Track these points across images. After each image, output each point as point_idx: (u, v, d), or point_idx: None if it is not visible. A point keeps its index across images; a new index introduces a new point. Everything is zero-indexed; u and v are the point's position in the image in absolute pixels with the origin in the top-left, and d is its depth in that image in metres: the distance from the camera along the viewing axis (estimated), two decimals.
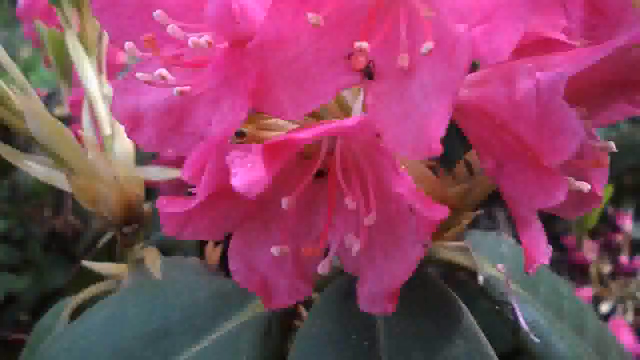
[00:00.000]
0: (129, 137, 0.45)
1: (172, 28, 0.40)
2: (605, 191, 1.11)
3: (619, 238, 1.33)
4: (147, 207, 0.67)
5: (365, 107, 0.38)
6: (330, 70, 0.37)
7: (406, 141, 0.35)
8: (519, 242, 0.46)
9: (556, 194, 0.35)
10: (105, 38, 0.72)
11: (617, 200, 1.48)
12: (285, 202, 0.40)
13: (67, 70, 1.17)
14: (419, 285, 0.49)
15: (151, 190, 0.85)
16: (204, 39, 0.38)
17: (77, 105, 1.08)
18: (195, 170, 0.38)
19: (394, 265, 0.40)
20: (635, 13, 0.41)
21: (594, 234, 1.31)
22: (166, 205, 0.38)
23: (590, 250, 1.26)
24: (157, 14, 0.41)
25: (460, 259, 0.58)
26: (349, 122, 0.33)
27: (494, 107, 0.39)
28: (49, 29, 1.10)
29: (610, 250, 1.31)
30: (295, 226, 0.42)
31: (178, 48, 0.43)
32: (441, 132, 0.34)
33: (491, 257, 0.60)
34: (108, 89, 0.69)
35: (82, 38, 0.71)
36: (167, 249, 0.68)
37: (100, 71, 0.70)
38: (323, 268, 0.41)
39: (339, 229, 0.41)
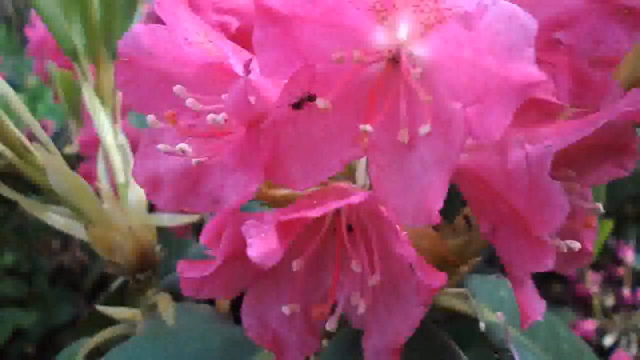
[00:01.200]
0: (148, 198, 0.48)
1: (191, 101, 0.44)
2: (605, 225, 1.14)
3: (621, 271, 1.35)
4: (158, 250, 0.70)
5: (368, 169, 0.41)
6: (337, 144, 0.40)
7: (407, 211, 0.38)
8: None
9: (545, 261, 0.38)
10: None
11: (618, 230, 1.49)
12: (294, 265, 0.43)
13: (75, 109, 1.22)
14: (420, 335, 0.51)
15: (162, 232, 0.88)
16: (221, 116, 0.41)
17: (86, 145, 1.13)
18: (212, 236, 0.41)
19: (396, 322, 0.42)
20: (616, 86, 0.45)
21: (595, 266, 1.33)
22: (186, 270, 0.41)
23: (592, 283, 1.28)
24: (177, 89, 0.44)
25: (460, 305, 0.60)
26: (356, 198, 0.36)
27: (489, 175, 0.43)
28: (59, 71, 1.15)
29: (612, 283, 1.33)
30: (304, 284, 0.45)
31: (194, 117, 0.46)
32: (439, 203, 0.37)
33: (491, 303, 0.63)
34: (122, 138, 0.73)
35: (97, 89, 0.74)
36: (178, 292, 0.70)
37: (115, 121, 0.73)
38: (330, 324, 0.43)
39: (345, 288, 0.44)
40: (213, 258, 0.42)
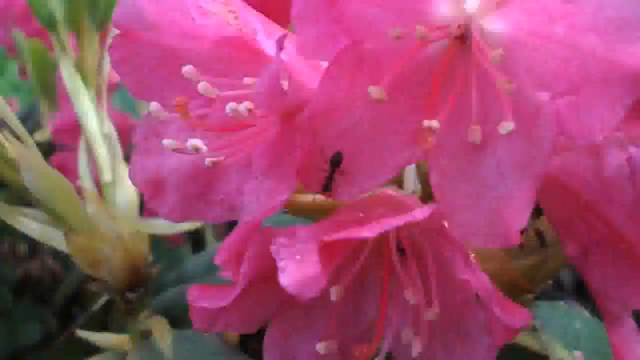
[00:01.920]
0: (148, 205, 0.47)
1: (204, 86, 0.42)
2: None
3: None
4: (151, 264, 0.69)
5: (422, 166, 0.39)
6: (392, 144, 0.39)
7: (478, 229, 0.37)
8: (593, 313, 0.46)
9: None
10: (107, 66, 0.74)
11: None
12: (333, 293, 0.41)
13: (48, 88, 1.21)
14: None
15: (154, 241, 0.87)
16: (244, 106, 0.39)
17: (62, 132, 1.12)
18: (231, 255, 0.40)
19: None
20: None
21: None
22: (198, 298, 0.40)
23: None
24: (187, 70, 0.42)
25: (527, 340, 0.59)
26: (419, 214, 0.34)
27: (578, 183, 0.41)
28: (28, 40, 1.14)
29: None
30: (342, 317, 0.44)
31: (207, 106, 0.45)
32: (522, 220, 0.35)
33: (563, 337, 0.61)
34: (109, 126, 0.71)
35: (79, 66, 0.73)
36: (176, 317, 0.69)
37: (100, 104, 0.72)
38: None
39: (394, 322, 0.43)
40: (229, 283, 0.40)
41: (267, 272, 0.37)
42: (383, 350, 0.42)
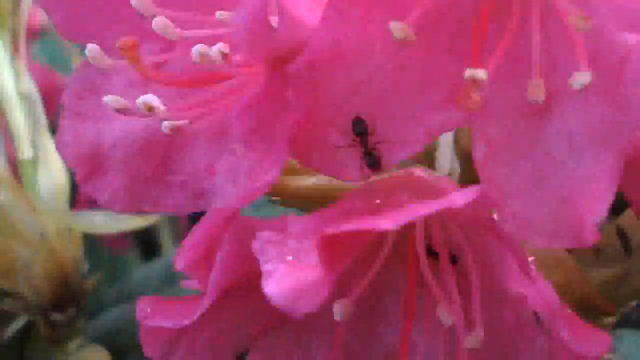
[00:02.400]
0: (83, 188, 0.47)
1: (161, 22, 0.42)
2: None
3: None
4: (86, 273, 0.69)
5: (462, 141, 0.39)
6: (421, 103, 0.39)
7: (538, 222, 0.37)
8: None
9: None
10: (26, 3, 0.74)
11: None
12: (337, 310, 0.41)
13: None
14: None
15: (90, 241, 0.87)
16: (217, 49, 0.39)
17: None
18: (197, 255, 0.40)
19: None
20: None
21: None
22: (151, 314, 0.39)
23: None
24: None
25: None
26: (459, 198, 0.34)
27: None
28: None
29: None
30: (350, 342, 0.44)
31: (167, 50, 0.45)
32: (601, 211, 0.35)
33: None
34: (29, 84, 0.71)
35: None
36: (120, 346, 0.69)
37: (17, 54, 0.72)
38: None
39: (421, 350, 0.43)
40: (197, 294, 0.40)
41: (248, 279, 0.37)
42: None
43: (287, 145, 0.38)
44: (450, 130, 0.45)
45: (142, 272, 0.92)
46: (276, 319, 0.43)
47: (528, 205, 0.37)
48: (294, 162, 0.49)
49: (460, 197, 0.34)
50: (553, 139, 0.37)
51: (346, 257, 0.37)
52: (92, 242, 0.95)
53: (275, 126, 0.38)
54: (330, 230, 0.34)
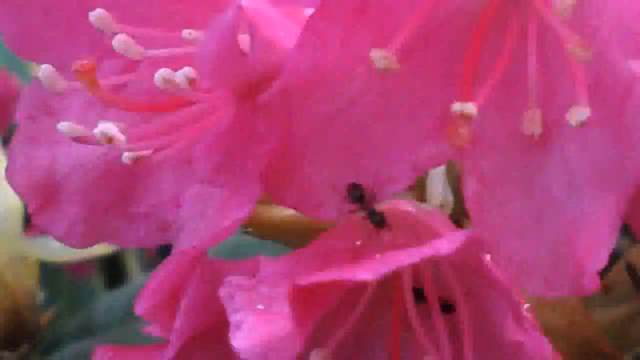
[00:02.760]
0: (35, 219, 0.47)
1: (122, 40, 0.43)
2: None
3: None
4: (40, 304, 0.69)
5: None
6: (405, 136, 0.39)
7: (536, 268, 0.37)
8: None
9: None
10: None
11: None
12: (316, 358, 0.41)
13: None
14: None
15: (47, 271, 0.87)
16: (183, 74, 0.40)
17: None
18: (160, 300, 0.40)
19: None
20: None
21: None
22: None
23: None
24: (97, 15, 0.43)
25: None
26: (446, 245, 0.34)
27: None
28: None
29: None
30: None
31: (128, 71, 0.45)
32: (602, 254, 0.36)
33: None
34: None
35: None
36: None
37: None
38: None
39: None
40: (160, 342, 0.40)
41: (216, 325, 0.37)
42: None
43: (259, 180, 0.38)
44: (440, 165, 0.45)
45: (105, 302, 0.92)
46: None
47: (523, 248, 0.38)
48: None
49: (446, 245, 0.34)
50: (551, 176, 0.38)
51: (322, 307, 0.37)
52: (51, 268, 0.95)
53: (245, 159, 0.38)
54: (304, 281, 0.35)
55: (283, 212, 0.50)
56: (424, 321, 0.42)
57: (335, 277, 0.34)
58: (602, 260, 0.36)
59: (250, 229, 0.51)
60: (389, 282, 0.43)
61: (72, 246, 0.47)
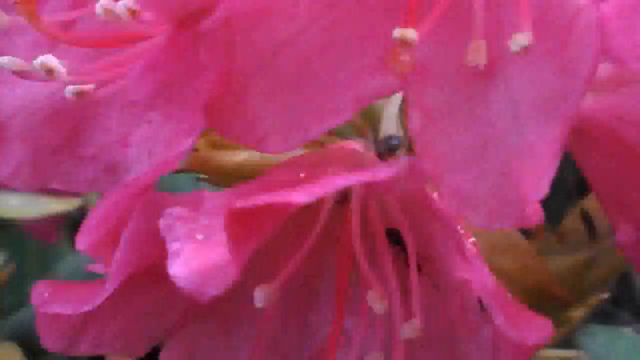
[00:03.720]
0: None
1: None
2: None
3: None
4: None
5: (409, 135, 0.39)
6: (349, 66, 0.39)
7: (479, 198, 0.37)
8: None
9: None
10: None
11: None
12: (260, 296, 0.41)
13: None
14: None
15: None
16: (123, 4, 0.39)
17: None
18: (101, 234, 0.39)
19: None
20: None
21: None
22: (49, 299, 0.39)
23: None
24: None
25: None
26: (381, 172, 0.34)
27: (638, 133, 0.42)
28: None
29: None
30: (275, 332, 0.44)
31: (70, 7, 0.44)
32: (544, 184, 0.36)
33: None
34: None
35: None
36: (33, 344, 0.69)
37: None
38: None
39: (354, 342, 0.43)
40: (102, 278, 0.40)
41: (160, 261, 0.37)
42: None
43: (201, 112, 0.38)
44: (384, 97, 0.45)
45: (70, 263, 0.91)
46: (196, 308, 0.43)
47: (467, 181, 0.37)
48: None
49: (384, 170, 0.34)
50: (496, 107, 0.38)
51: (260, 234, 0.37)
52: (11, 231, 0.94)
53: (185, 89, 0.38)
54: (239, 205, 0.34)
55: (236, 157, 0.50)
56: (370, 259, 0.42)
57: (270, 200, 0.34)
58: (544, 189, 0.35)
59: (203, 175, 0.51)
60: (339, 220, 0.43)
61: (19, 189, 0.47)
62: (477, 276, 0.38)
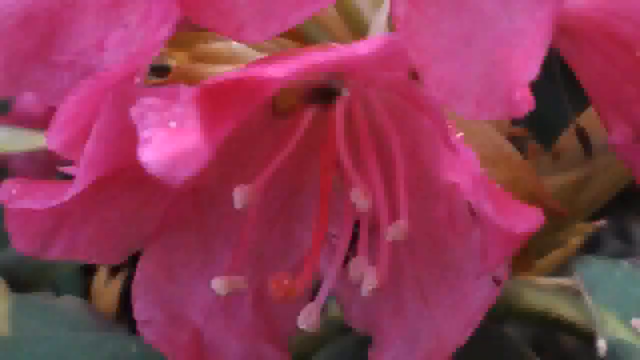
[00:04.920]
0: None
1: None
2: None
3: None
4: None
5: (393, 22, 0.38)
6: None
7: (466, 85, 0.36)
8: None
9: None
10: None
11: None
12: (240, 197, 0.40)
13: None
14: (488, 354, 0.50)
15: None
16: None
17: None
18: (74, 131, 0.38)
19: (438, 317, 0.41)
20: None
21: None
22: (17, 195, 0.38)
23: None
24: None
25: (563, 308, 0.59)
26: (361, 48, 0.33)
27: (632, 26, 0.40)
28: None
29: None
30: (257, 241, 0.44)
31: None
32: (532, 70, 0.35)
33: (621, 306, 0.61)
34: None
35: None
36: (20, 279, 0.69)
37: None
38: (308, 319, 0.41)
39: (337, 247, 0.42)
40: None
41: (134, 162, 0.36)
42: (323, 287, 0.42)
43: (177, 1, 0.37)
44: None
45: None
46: (174, 214, 0.43)
47: (453, 70, 0.36)
48: (206, 47, 0.49)
49: (361, 46, 0.33)
50: None
51: (233, 116, 0.36)
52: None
53: None
54: (211, 82, 0.33)
55: (219, 69, 0.49)
56: (354, 162, 0.42)
57: (243, 76, 0.33)
58: (533, 73, 0.35)
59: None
60: (320, 122, 0.42)
61: None
62: (466, 170, 0.37)
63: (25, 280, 0.68)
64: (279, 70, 0.32)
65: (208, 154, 0.32)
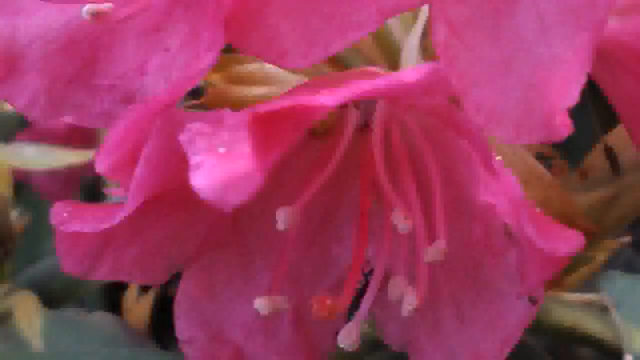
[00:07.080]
0: None
1: None
2: None
3: None
4: (15, 216, 0.69)
5: (431, 47, 0.39)
6: None
7: (505, 110, 0.36)
8: None
9: None
10: None
11: None
12: (282, 218, 0.41)
13: None
14: None
15: (22, 186, 0.87)
16: None
17: None
18: (121, 155, 0.39)
19: (476, 335, 0.41)
20: None
21: None
22: (67, 219, 0.39)
23: None
24: None
25: (589, 323, 0.59)
26: (408, 76, 0.33)
27: None
28: None
29: None
30: (296, 260, 0.44)
31: None
32: (572, 95, 0.35)
33: None
34: None
35: None
36: (51, 294, 0.69)
37: None
38: (348, 338, 0.41)
39: (377, 268, 0.43)
40: (123, 200, 0.39)
41: (180, 185, 0.36)
42: (363, 306, 0.42)
43: (221, 27, 0.37)
44: (408, 10, 0.44)
45: None
46: (216, 234, 0.44)
47: (493, 95, 0.37)
48: (241, 69, 0.49)
49: (412, 72, 0.34)
50: (521, 17, 0.37)
51: (283, 141, 0.36)
52: (34, 194, 0.95)
53: (205, 6, 0.37)
54: (262, 109, 0.34)
55: (255, 91, 0.49)
56: (393, 178, 0.42)
57: (295, 103, 0.33)
58: (573, 97, 0.35)
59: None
60: (358, 147, 0.43)
61: (34, 118, 0.46)
62: (505, 194, 0.37)
63: (55, 293, 0.68)
64: (330, 98, 0.32)
65: (260, 179, 0.33)
